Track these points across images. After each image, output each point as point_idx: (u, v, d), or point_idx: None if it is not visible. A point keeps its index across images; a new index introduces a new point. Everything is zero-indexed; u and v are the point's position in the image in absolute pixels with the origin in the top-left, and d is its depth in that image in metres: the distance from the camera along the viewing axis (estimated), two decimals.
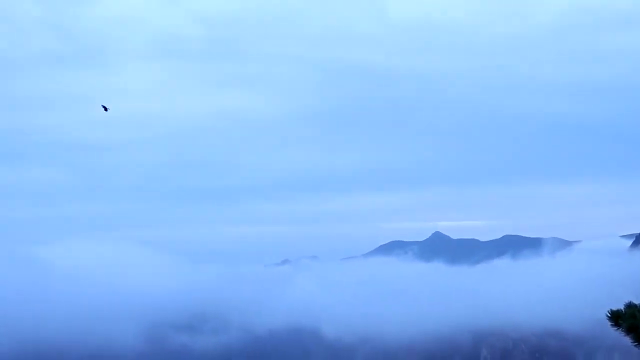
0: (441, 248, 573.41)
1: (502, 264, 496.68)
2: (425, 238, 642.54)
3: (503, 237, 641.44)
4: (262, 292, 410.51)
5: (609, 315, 12.64)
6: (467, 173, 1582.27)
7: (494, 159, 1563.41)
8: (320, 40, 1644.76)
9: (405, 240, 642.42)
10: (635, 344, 12.20)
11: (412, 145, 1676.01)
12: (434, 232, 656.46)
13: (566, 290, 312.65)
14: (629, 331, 12.24)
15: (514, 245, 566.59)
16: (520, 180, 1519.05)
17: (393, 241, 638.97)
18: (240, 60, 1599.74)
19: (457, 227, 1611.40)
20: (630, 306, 12.47)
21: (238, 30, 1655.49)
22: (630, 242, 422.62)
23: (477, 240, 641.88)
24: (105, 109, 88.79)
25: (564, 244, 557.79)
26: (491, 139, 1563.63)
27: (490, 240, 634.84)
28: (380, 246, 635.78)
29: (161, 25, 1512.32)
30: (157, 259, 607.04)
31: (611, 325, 12.61)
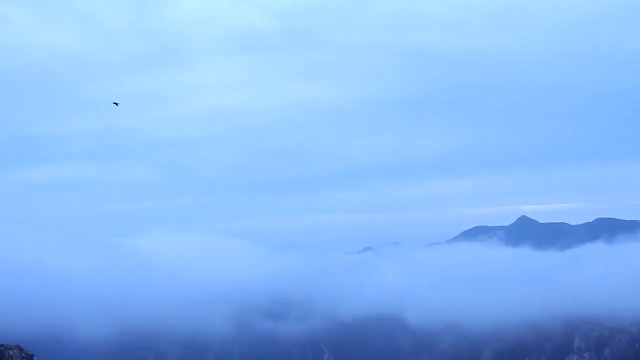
0: (528, 233, 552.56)
1: (595, 249, 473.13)
2: (510, 223, 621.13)
3: (596, 220, 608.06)
4: (345, 279, 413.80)
5: None
6: (554, 154, 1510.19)
7: (583, 138, 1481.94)
8: (392, 25, 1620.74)
9: (489, 225, 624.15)
10: None
11: (494, 127, 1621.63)
12: (519, 216, 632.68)
13: None
14: None
15: (608, 229, 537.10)
16: (614, 159, 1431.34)
17: (477, 226, 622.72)
18: (315, 51, 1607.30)
19: (544, 210, 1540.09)
20: None
21: (311, 21, 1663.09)
22: None
23: (567, 224, 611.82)
24: (116, 104, 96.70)
25: None
26: (579, 117, 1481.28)
27: (582, 224, 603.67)
28: (464, 232, 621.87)
29: (234, 21, 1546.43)
30: (242, 249, 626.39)
31: None
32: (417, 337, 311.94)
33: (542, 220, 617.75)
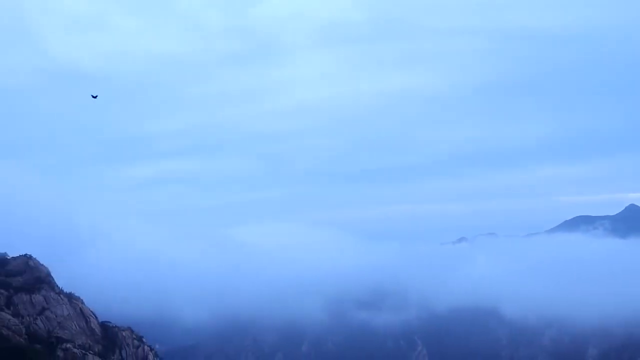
0: (637, 223, 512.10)
1: None
2: (617, 212, 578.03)
3: None
4: (440, 270, 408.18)
5: None
6: None
7: None
8: (486, 7, 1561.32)
9: (593, 215, 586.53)
10: None
11: (597, 111, 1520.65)
12: (627, 205, 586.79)
13: None
14: None
15: None
16: None
17: (579, 216, 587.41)
18: (406, 39, 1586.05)
19: None
20: None
21: (401, 9, 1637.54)
22: None
23: None
24: (94, 97, 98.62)
25: None
26: None
27: None
28: (565, 221, 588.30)
29: (324, 13, 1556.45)
30: (338, 239, 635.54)
31: None
32: (515, 330, 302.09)
33: None
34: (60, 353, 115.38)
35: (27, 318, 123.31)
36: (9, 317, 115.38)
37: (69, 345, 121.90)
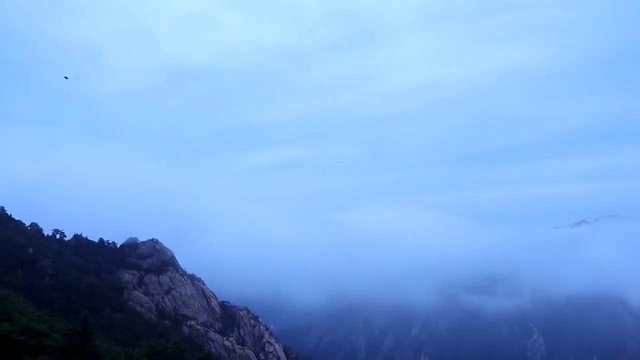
0: None
1: None
2: None
3: None
4: (556, 254, 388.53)
5: None
6: None
7: None
8: None
9: None
10: None
11: None
12: None
13: None
14: None
15: None
16: None
17: None
18: (517, 11, 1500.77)
19: None
20: None
21: None
22: None
23: None
24: (66, 78, 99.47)
25: None
26: None
27: None
28: None
29: None
30: (448, 222, 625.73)
31: None
32: None
33: None
34: (185, 329, 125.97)
35: (156, 297, 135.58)
36: (141, 295, 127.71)
37: (193, 322, 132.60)
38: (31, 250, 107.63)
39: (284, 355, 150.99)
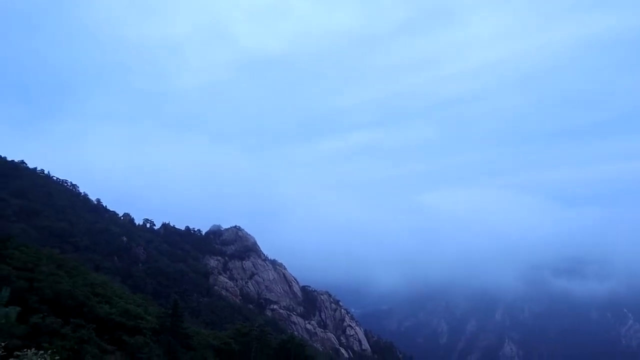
0: None
1: None
2: None
3: None
4: None
5: None
6: None
7: None
8: None
9: None
10: None
11: None
12: None
13: None
14: None
15: None
16: None
17: None
18: None
19: None
20: None
21: None
22: None
23: None
24: None
25: None
26: None
27: None
28: None
29: None
30: (527, 202, 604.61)
31: None
32: None
33: None
34: (268, 313, 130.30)
35: (240, 281, 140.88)
36: (226, 280, 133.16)
37: (275, 306, 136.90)
38: (125, 238, 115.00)
39: (365, 339, 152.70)
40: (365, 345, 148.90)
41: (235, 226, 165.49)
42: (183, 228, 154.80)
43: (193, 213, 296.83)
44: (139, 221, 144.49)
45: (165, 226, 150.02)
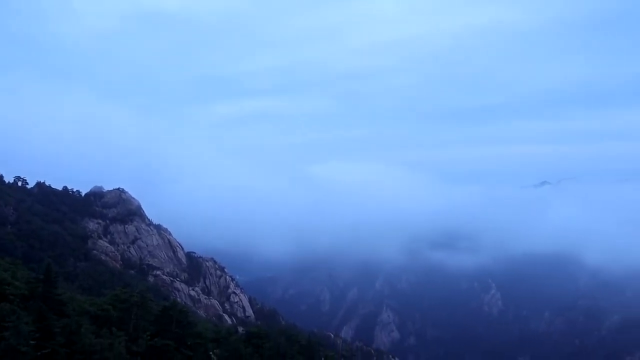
0: None
1: None
2: None
3: None
4: (518, 214, 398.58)
5: None
6: None
7: None
8: None
9: None
10: None
11: None
12: None
13: None
14: None
15: None
16: None
17: None
18: None
19: None
20: None
21: None
22: None
23: None
24: None
25: None
26: None
27: None
28: None
29: None
30: (415, 179, 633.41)
31: None
32: (597, 281, 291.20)
33: None
34: (150, 279, 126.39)
35: (122, 246, 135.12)
36: (107, 244, 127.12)
37: (158, 272, 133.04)
38: None
39: (249, 306, 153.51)
40: (249, 312, 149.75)
41: (119, 188, 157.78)
42: (60, 188, 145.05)
43: (73, 173, 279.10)
44: (9, 179, 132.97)
45: (39, 185, 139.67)
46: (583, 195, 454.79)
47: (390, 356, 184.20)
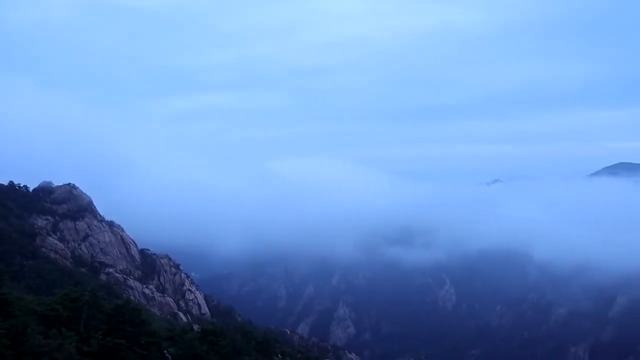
0: None
1: None
2: None
3: None
4: (471, 211, 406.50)
5: None
6: None
7: None
8: None
9: (635, 162, 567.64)
10: None
11: None
12: None
13: None
14: None
15: None
16: None
17: (621, 162, 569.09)
18: None
19: None
20: None
21: None
22: None
23: None
24: None
25: None
26: None
27: None
28: (605, 168, 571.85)
29: None
30: (371, 176, 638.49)
31: None
32: (545, 275, 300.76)
33: None
34: (103, 277, 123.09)
35: (72, 243, 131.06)
36: (56, 242, 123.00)
37: (111, 270, 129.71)
38: None
39: (204, 303, 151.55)
40: (205, 309, 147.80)
41: (69, 184, 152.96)
42: (6, 183, 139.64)
43: (20, 167, 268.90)
44: None
45: None
46: (533, 193, 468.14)
47: (346, 351, 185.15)
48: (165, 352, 52.57)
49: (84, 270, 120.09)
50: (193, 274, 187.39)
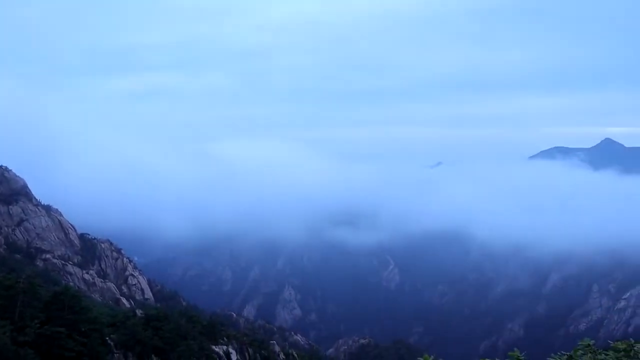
0: (612, 156, 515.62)
1: None
2: (593, 145, 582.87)
3: None
4: (415, 193, 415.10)
5: None
6: None
7: None
8: None
9: (569, 146, 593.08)
10: None
11: (582, 43, 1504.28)
12: (603, 138, 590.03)
13: None
14: None
15: None
16: None
17: (556, 147, 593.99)
18: None
19: (632, 133, 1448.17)
20: None
21: None
22: None
23: None
24: None
25: None
26: None
27: None
28: (542, 152, 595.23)
29: None
30: (315, 158, 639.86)
31: None
32: (483, 255, 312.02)
33: (628, 144, 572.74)
34: (40, 263, 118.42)
35: (6, 229, 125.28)
36: None
37: (48, 255, 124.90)
38: None
39: (148, 288, 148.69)
40: (149, 294, 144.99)
41: (1, 166, 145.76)
42: None
43: None
44: None
45: None
46: (474, 176, 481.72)
47: (292, 333, 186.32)
48: (108, 338, 51.25)
49: (18, 256, 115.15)
50: (136, 259, 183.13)
